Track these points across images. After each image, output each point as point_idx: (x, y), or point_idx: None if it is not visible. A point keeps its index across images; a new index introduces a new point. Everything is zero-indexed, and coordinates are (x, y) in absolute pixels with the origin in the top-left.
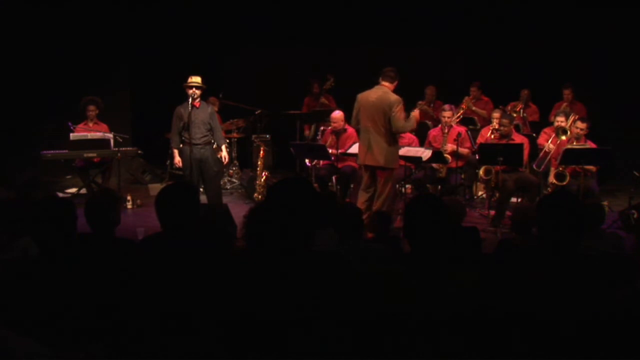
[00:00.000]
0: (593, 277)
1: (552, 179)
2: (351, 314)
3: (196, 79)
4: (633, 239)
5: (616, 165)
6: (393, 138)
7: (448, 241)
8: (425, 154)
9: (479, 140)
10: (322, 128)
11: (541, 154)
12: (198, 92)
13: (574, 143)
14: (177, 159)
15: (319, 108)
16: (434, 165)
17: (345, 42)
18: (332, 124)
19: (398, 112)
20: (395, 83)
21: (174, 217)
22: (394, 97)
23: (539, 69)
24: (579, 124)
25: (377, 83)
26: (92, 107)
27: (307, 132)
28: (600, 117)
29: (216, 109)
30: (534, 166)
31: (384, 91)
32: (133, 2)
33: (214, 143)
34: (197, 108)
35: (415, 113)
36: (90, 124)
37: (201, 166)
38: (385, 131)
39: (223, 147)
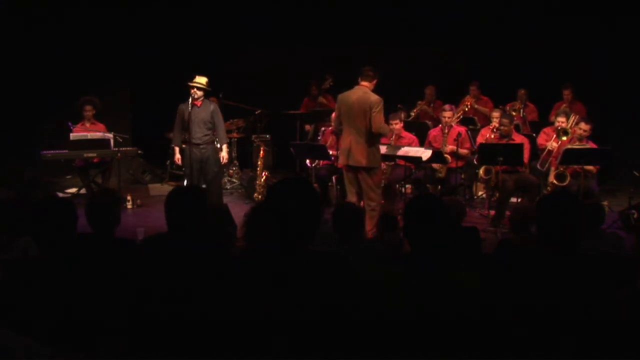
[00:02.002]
0: (593, 277)
1: (552, 179)
2: (351, 314)
3: (200, 80)
4: (633, 239)
5: (616, 165)
6: (374, 138)
7: (448, 241)
8: (425, 154)
9: (479, 140)
10: (322, 129)
11: (544, 153)
12: (199, 92)
13: (576, 143)
14: (177, 157)
15: (318, 108)
16: (434, 165)
17: (345, 42)
18: (332, 124)
19: (378, 113)
20: (374, 82)
21: (184, 219)
22: (374, 97)
23: (539, 69)
24: (583, 126)
25: (357, 83)
26: (89, 107)
27: (308, 128)
28: (600, 117)
29: None
30: (538, 166)
31: (364, 91)
32: (133, 2)
33: (217, 142)
34: (198, 107)
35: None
36: (88, 124)
37: (202, 166)
38: (366, 131)
39: (224, 146)
